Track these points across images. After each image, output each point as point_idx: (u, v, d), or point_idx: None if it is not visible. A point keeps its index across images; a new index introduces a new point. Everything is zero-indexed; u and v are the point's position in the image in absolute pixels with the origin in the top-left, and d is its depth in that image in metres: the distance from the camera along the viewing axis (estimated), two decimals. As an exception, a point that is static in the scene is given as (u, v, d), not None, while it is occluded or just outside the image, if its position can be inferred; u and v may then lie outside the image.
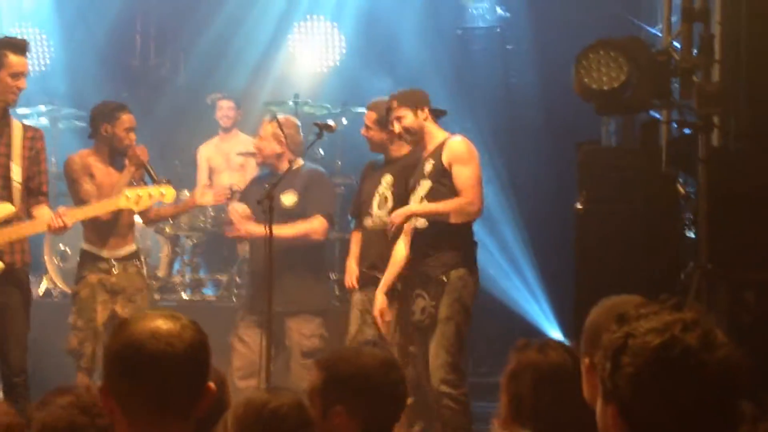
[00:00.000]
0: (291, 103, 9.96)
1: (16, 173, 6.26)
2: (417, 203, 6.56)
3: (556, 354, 3.34)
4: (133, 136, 7.08)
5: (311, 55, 11.60)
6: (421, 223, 6.52)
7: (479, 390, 7.34)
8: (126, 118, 7.09)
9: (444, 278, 6.42)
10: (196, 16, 11.92)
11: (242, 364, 7.39)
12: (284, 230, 7.13)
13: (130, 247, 7.19)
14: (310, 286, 7.45)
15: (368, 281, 6.93)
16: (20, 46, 6.34)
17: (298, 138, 7.63)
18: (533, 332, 9.46)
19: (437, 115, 6.72)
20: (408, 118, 6.58)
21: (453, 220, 6.43)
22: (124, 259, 7.12)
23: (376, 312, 6.65)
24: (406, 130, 6.60)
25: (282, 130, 7.41)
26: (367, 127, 7.08)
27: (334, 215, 7.85)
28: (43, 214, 6.40)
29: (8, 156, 6.27)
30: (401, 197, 6.87)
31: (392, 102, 6.65)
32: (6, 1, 12.00)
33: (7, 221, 6.23)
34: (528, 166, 10.39)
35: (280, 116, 7.69)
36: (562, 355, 3.34)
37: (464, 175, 6.45)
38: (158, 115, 11.74)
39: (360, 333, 6.89)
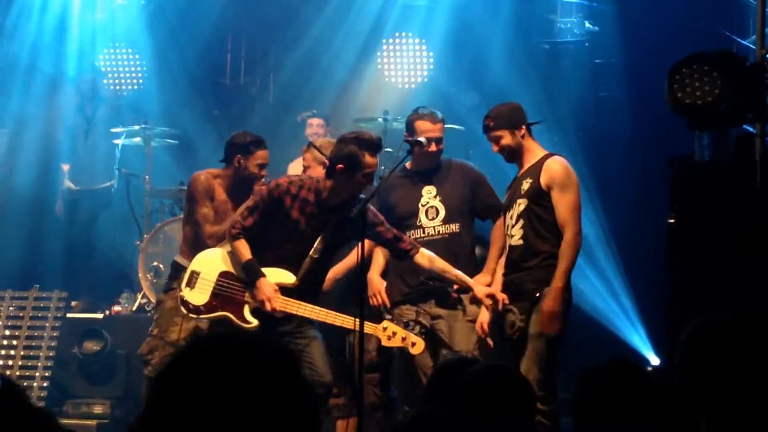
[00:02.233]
0: (380, 119, 10.01)
1: (317, 250, 6.48)
2: (510, 222, 6.55)
3: None
4: (264, 172, 7.18)
5: (400, 71, 11.64)
6: (515, 240, 6.52)
7: (567, 406, 7.29)
8: (261, 155, 7.23)
9: (536, 294, 6.40)
10: (286, 35, 12.05)
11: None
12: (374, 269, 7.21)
13: None
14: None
15: (424, 293, 6.93)
16: (376, 146, 6.40)
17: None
18: (625, 349, 9.37)
19: (533, 126, 6.67)
20: (505, 138, 6.57)
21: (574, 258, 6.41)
22: None
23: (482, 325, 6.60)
24: (503, 149, 6.59)
25: (322, 152, 7.50)
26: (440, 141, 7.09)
27: None
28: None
29: (318, 234, 6.46)
30: (452, 207, 6.95)
31: (488, 122, 6.62)
32: (100, 22, 12.23)
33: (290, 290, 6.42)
34: (618, 180, 10.29)
35: (318, 140, 7.83)
36: None
37: (565, 202, 6.44)
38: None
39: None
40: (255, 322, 6.42)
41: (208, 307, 6.52)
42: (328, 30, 11.73)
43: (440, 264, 6.60)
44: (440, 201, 7.01)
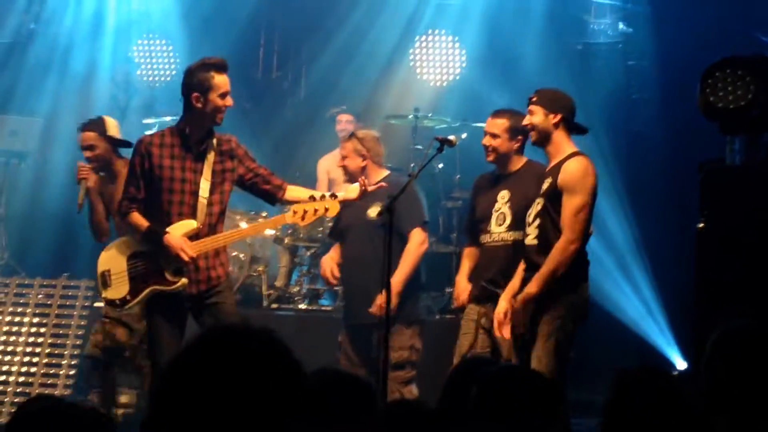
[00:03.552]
0: (411, 116, 10.01)
1: (204, 190, 6.42)
2: (529, 220, 6.49)
3: None
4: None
5: (432, 69, 11.64)
6: (530, 239, 6.45)
7: (592, 408, 7.28)
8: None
9: (548, 294, 6.34)
10: (320, 30, 12.06)
11: None
12: (406, 268, 7.30)
13: None
14: (402, 299, 7.40)
15: (487, 296, 6.90)
16: (222, 65, 6.45)
17: (380, 149, 7.70)
18: (651, 352, 9.36)
19: (575, 129, 6.50)
20: (537, 116, 6.44)
21: (558, 265, 6.33)
22: None
23: (500, 316, 6.54)
24: (532, 126, 6.49)
25: (363, 144, 7.47)
26: (494, 136, 6.99)
27: (427, 222, 7.79)
28: (299, 190, 6.64)
29: (200, 173, 6.41)
30: (518, 215, 6.84)
31: (533, 96, 6.54)
32: (135, 13, 12.29)
33: (196, 236, 6.38)
34: (648, 183, 10.26)
35: (359, 131, 7.77)
36: None
37: (570, 205, 6.24)
38: (279, 128, 11.93)
39: (475, 347, 6.87)
40: (181, 278, 6.35)
41: (132, 292, 6.47)
42: (362, 26, 11.74)
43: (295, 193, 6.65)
44: (509, 207, 6.88)
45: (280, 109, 12.13)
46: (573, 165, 6.30)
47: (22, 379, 8.69)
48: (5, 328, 8.95)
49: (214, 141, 6.46)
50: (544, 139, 6.44)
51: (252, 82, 12.55)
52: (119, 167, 7.47)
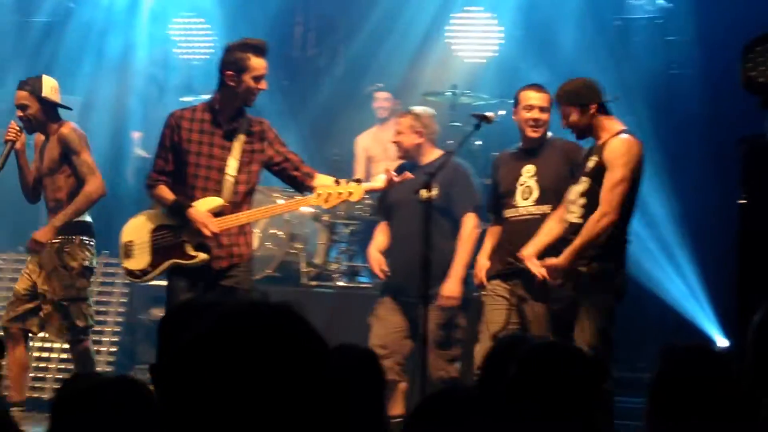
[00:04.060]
0: (449, 93, 9.99)
1: (232, 168, 6.44)
2: (572, 198, 6.46)
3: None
4: None
5: (469, 46, 11.59)
6: (575, 218, 6.44)
7: (634, 386, 7.25)
8: None
9: (587, 271, 6.32)
10: (355, 7, 12.03)
11: (378, 343, 7.33)
12: (464, 255, 7.28)
13: None
14: (441, 276, 7.33)
15: (514, 272, 6.88)
16: (261, 48, 6.48)
17: (435, 127, 7.66)
18: (691, 329, 9.30)
19: (607, 104, 6.49)
20: (574, 115, 6.45)
21: (591, 237, 6.30)
22: None
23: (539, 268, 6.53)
24: (572, 126, 6.49)
25: (419, 121, 7.44)
26: (544, 110, 6.95)
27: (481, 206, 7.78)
28: (328, 179, 6.63)
29: (229, 151, 6.44)
30: (547, 188, 6.83)
31: (556, 97, 6.54)
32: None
33: (221, 213, 6.41)
34: (689, 160, 10.18)
35: (416, 108, 7.74)
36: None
37: (608, 181, 6.26)
38: (316, 105, 11.92)
39: (507, 325, 6.85)
40: (202, 254, 6.41)
41: (153, 263, 6.54)
42: (398, 3, 11.71)
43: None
44: (536, 181, 6.89)
45: (317, 86, 12.12)
46: (617, 142, 6.31)
47: (63, 355, 8.77)
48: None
49: (245, 121, 6.48)
50: (587, 132, 6.47)
51: (289, 60, 12.54)
52: (53, 130, 7.38)
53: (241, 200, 6.48)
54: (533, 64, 10.59)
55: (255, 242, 9.38)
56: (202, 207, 6.37)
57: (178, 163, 6.45)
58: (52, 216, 7.33)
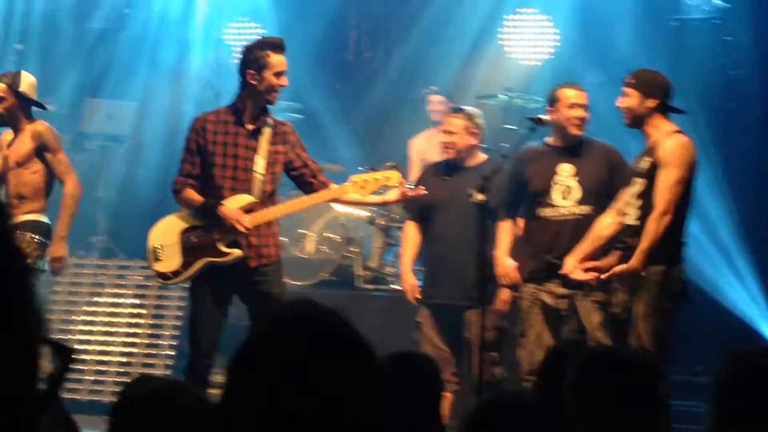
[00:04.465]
0: (502, 96, 9.97)
1: (260, 166, 6.48)
2: (627, 199, 6.43)
3: None
4: None
5: (523, 48, 11.57)
6: (631, 220, 6.39)
7: (692, 389, 7.20)
8: None
9: (643, 273, 6.27)
10: (409, 10, 12.05)
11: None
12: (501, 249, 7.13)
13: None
14: (490, 279, 7.25)
15: (549, 274, 6.82)
16: (279, 45, 6.51)
17: (484, 129, 7.63)
18: (749, 332, 9.22)
19: (671, 110, 6.43)
20: (633, 99, 6.38)
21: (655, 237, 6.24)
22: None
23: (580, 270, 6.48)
24: (625, 109, 6.43)
25: (473, 121, 7.40)
26: (585, 107, 6.92)
27: None
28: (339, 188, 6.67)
29: (255, 150, 6.48)
30: (589, 189, 6.79)
31: (630, 78, 6.47)
32: (226, -4, 12.41)
33: (251, 210, 6.44)
34: (747, 162, 10.09)
35: (467, 108, 7.69)
36: None
37: (663, 180, 6.19)
38: (370, 108, 11.94)
39: (544, 334, 6.79)
40: (235, 251, 6.42)
41: (184, 264, 6.53)
42: (451, 5, 11.71)
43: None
44: (577, 181, 6.83)
45: (371, 89, 12.14)
46: (671, 141, 6.27)
47: (123, 359, 8.86)
48: (106, 309, 9.12)
49: (270, 121, 6.54)
50: (637, 122, 6.40)
51: (343, 63, 12.60)
52: (24, 125, 7.42)
53: (267, 199, 6.53)
54: (588, 65, 10.55)
55: (311, 246, 9.48)
56: (233, 205, 6.40)
57: (205, 166, 6.48)
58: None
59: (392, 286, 9.44)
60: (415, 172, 10.34)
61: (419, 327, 7.43)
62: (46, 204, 7.48)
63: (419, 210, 7.52)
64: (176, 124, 11.72)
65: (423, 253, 7.59)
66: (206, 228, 6.49)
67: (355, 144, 11.72)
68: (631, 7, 10.86)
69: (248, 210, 6.42)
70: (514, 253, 7.07)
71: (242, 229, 6.34)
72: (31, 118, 7.48)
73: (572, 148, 6.92)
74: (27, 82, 7.49)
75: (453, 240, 7.25)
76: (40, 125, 7.44)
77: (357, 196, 6.65)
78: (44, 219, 7.42)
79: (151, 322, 9.01)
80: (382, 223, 9.60)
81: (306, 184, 6.68)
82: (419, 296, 7.42)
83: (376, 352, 1.88)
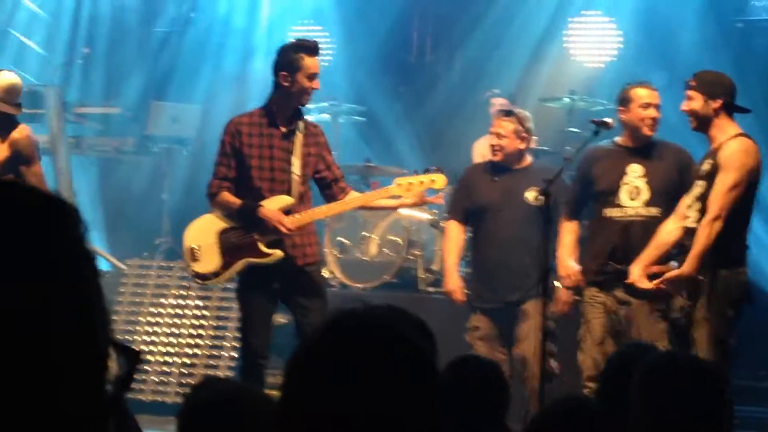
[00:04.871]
0: (566, 99, 9.93)
1: (296, 167, 6.52)
2: (688, 203, 6.36)
3: None
4: None
5: (586, 50, 11.52)
6: (691, 222, 6.32)
7: (757, 395, 7.13)
8: None
9: (702, 278, 6.18)
10: (472, 12, 12.04)
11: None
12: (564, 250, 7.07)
13: None
14: (549, 278, 7.21)
15: (612, 278, 6.75)
16: (313, 48, 6.54)
17: (533, 132, 7.59)
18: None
19: (737, 110, 6.36)
20: (697, 102, 6.32)
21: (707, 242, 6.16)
22: None
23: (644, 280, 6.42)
24: (690, 112, 6.37)
25: (524, 125, 7.36)
26: (658, 107, 6.84)
27: None
28: (352, 196, 6.71)
29: (291, 151, 6.52)
30: (658, 190, 6.71)
31: (691, 80, 6.41)
32: (290, -1, 12.49)
33: (290, 212, 6.48)
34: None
35: (518, 110, 7.64)
36: None
37: (720, 183, 6.11)
38: (433, 111, 11.96)
39: (606, 339, 6.74)
40: (276, 251, 6.43)
41: (224, 265, 6.56)
42: (514, 7, 11.69)
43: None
44: (646, 182, 6.75)
45: (434, 92, 12.15)
46: (733, 145, 6.18)
47: (186, 360, 8.94)
48: (170, 311, 9.21)
49: (303, 123, 6.59)
50: (703, 125, 6.32)
51: (405, 66, 12.62)
52: (5, 131, 7.25)
53: (302, 200, 6.56)
54: (652, 67, 10.46)
55: (374, 248, 9.50)
56: (273, 206, 6.44)
57: (241, 169, 6.52)
58: None
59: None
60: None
61: (472, 331, 7.40)
62: None
63: (465, 211, 7.50)
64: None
65: (469, 255, 7.58)
66: (244, 228, 6.51)
67: (418, 147, 11.74)
68: (696, 8, 10.78)
69: (287, 211, 6.46)
70: (578, 255, 7.03)
71: (284, 230, 6.38)
72: (13, 123, 7.30)
73: (642, 149, 6.83)
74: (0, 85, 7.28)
75: (508, 242, 7.23)
76: (18, 132, 7.27)
77: (404, 196, 6.68)
78: None
79: (215, 323, 9.08)
80: (445, 225, 9.59)
81: (326, 187, 6.73)
82: (465, 298, 7.40)
83: (435, 357, 1.89)
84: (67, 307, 1.08)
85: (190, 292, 9.16)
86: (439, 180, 6.72)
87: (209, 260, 6.60)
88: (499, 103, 10.55)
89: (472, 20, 12.01)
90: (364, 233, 9.59)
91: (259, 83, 12.05)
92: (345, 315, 1.90)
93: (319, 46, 6.65)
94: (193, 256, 6.66)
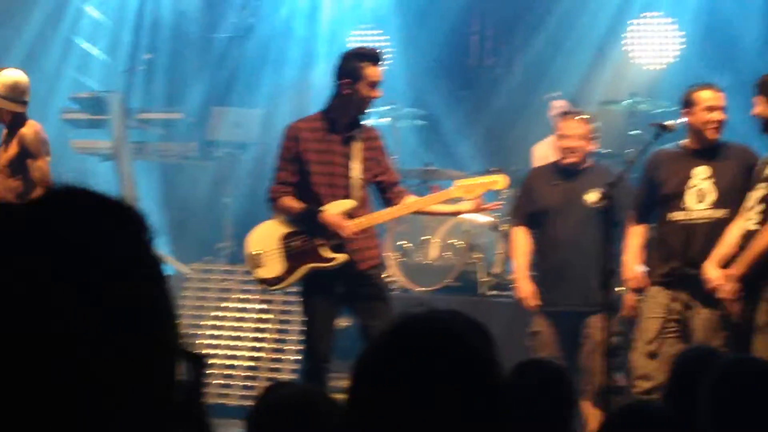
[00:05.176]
0: (627, 101, 9.88)
1: (357, 171, 6.54)
2: (750, 204, 6.31)
3: None
4: None
5: (647, 52, 11.45)
6: (752, 225, 6.26)
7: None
8: None
9: (762, 282, 6.10)
10: (531, 16, 12.02)
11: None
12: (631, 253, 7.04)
13: None
14: (613, 284, 7.01)
15: (679, 279, 6.70)
16: (375, 57, 6.55)
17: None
18: None
19: None
20: (760, 106, 6.27)
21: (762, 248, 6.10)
22: None
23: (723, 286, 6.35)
24: (758, 117, 6.33)
25: (594, 127, 7.31)
26: (723, 110, 6.79)
27: None
28: (408, 201, 6.72)
29: (350, 156, 6.55)
30: (725, 192, 6.62)
31: (756, 85, 6.36)
32: (350, 3, 12.52)
33: (351, 215, 6.51)
34: None
35: (587, 112, 7.59)
36: None
37: None
38: (492, 114, 11.94)
39: (665, 341, 6.68)
40: (339, 256, 6.45)
41: (288, 270, 6.58)
42: (573, 11, 11.65)
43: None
44: (713, 183, 6.65)
45: (493, 96, 12.13)
46: None
47: (250, 363, 9.00)
48: (233, 314, 9.28)
49: (362, 128, 6.63)
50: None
51: (465, 70, 12.61)
52: (15, 126, 7.32)
53: (363, 204, 6.59)
54: (714, 69, 10.38)
55: (435, 252, 9.51)
56: (334, 210, 6.46)
57: (302, 173, 6.55)
58: None
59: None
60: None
61: (535, 334, 7.34)
62: None
63: (529, 215, 7.46)
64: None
65: (534, 258, 7.53)
66: (307, 233, 6.55)
67: (478, 150, 11.73)
68: (759, 7, 10.67)
69: (349, 215, 6.49)
70: (644, 258, 6.98)
71: (346, 235, 6.41)
72: (22, 120, 7.35)
73: (708, 151, 6.74)
74: (1, 81, 7.35)
75: (572, 245, 7.15)
76: (27, 127, 7.32)
77: (465, 197, 6.69)
78: None
79: (278, 327, 9.13)
80: (506, 229, 9.57)
81: (383, 191, 6.75)
82: (538, 304, 7.30)
83: (499, 362, 1.91)
84: (138, 310, 1.09)
85: (252, 296, 9.22)
86: (500, 180, 6.71)
87: (273, 266, 6.65)
88: (558, 105, 10.52)
89: (532, 23, 11.98)
90: (424, 237, 9.60)
91: (320, 87, 12.12)
92: (409, 320, 1.92)
93: (381, 52, 6.66)
94: (257, 262, 6.71)
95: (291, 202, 6.56)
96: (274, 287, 6.85)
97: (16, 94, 7.35)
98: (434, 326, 1.91)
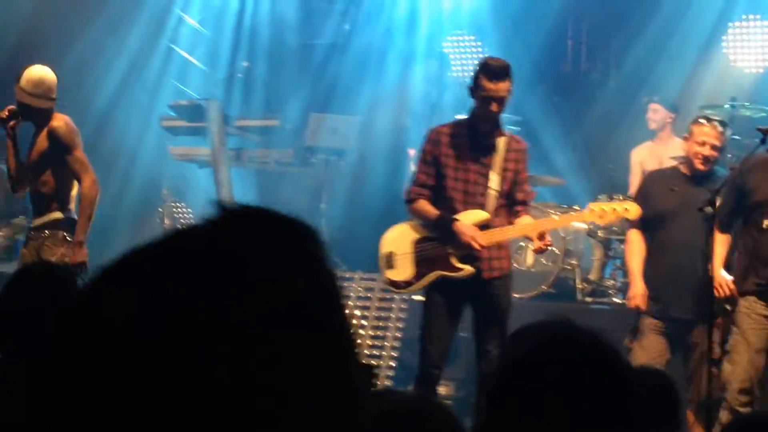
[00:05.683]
0: (727, 106, 9.73)
1: (495, 183, 6.53)
2: None
3: None
4: None
5: (748, 56, 11.27)
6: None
7: None
8: None
9: None
10: (628, 21, 11.92)
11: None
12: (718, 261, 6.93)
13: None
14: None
15: None
16: (494, 72, 6.36)
17: None
18: None
19: None
20: None
21: None
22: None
23: None
24: None
25: (718, 128, 7.19)
26: None
27: None
28: (523, 221, 6.64)
29: (489, 166, 6.53)
30: None
31: None
32: (447, 8, 12.54)
33: (484, 226, 6.49)
34: None
35: (715, 120, 7.47)
36: None
37: None
38: (590, 120, 11.86)
39: (762, 351, 6.57)
40: (467, 267, 6.44)
41: (417, 275, 6.59)
42: (673, 15, 11.52)
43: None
44: None
45: (590, 101, 12.06)
46: None
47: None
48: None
49: (506, 138, 6.55)
50: None
51: (561, 76, 12.55)
52: (43, 121, 7.31)
53: (499, 215, 6.56)
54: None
55: (530, 258, 9.47)
56: (468, 220, 6.45)
57: (438, 178, 6.56)
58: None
59: (613, 299, 9.35)
60: (635, 183, 10.20)
61: (636, 334, 7.27)
62: (72, 202, 7.37)
63: (644, 219, 7.33)
64: (398, 138, 11.91)
65: (646, 262, 7.44)
66: (439, 240, 6.56)
67: (575, 156, 11.66)
68: None
69: (482, 226, 6.48)
70: (731, 265, 6.88)
71: (477, 247, 6.40)
72: (49, 115, 7.34)
73: None
74: (26, 77, 7.35)
75: (685, 250, 7.02)
76: (57, 121, 7.31)
77: (597, 222, 6.67)
78: (74, 215, 7.32)
79: (373, 333, 9.16)
80: (602, 235, 9.51)
81: (507, 206, 6.68)
82: (646, 305, 7.20)
83: (632, 377, 1.92)
84: (325, 327, 1.08)
85: (348, 302, 9.27)
86: (633, 210, 6.68)
87: (403, 269, 6.70)
88: (653, 108, 10.40)
89: (628, 28, 11.89)
90: (521, 243, 9.57)
91: (415, 94, 12.16)
92: (550, 335, 1.93)
93: (505, 66, 6.45)
94: (388, 263, 6.76)
95: (427, 206, 6.59)
96: (401, 290, 6.94)
97: (43, 90, 7.34)
98: (596, 341, 2.00)
